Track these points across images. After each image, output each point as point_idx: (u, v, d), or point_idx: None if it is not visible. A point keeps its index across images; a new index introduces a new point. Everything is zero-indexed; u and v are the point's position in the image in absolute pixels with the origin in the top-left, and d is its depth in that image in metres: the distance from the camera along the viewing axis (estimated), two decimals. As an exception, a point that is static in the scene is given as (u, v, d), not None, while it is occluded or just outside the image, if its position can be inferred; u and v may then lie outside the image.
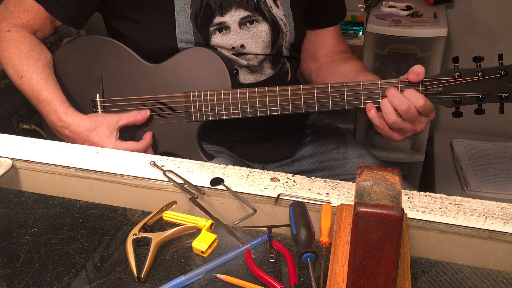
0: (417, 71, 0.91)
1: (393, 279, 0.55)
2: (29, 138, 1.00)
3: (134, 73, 1.06)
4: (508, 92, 0.89)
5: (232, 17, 1.03)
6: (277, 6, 1.06)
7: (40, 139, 1.00)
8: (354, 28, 1.98)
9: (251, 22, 1.04)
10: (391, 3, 1.93)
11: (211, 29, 1.02)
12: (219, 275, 0.66)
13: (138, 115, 1.03)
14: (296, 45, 1.15)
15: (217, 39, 1.03)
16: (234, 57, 1.05)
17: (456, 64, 0.92)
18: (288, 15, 1.07)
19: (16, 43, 1.04)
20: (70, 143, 0.98)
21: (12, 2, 1.05)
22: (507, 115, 2.01)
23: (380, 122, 0.93)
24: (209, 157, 1.06)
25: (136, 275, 0.67)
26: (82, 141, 1.00)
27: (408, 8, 1.90)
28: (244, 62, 1.06)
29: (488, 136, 2.02)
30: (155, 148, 1.07)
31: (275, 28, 1.05)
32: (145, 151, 1.03)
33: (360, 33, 1.97)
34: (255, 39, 1.04)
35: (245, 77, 1.08)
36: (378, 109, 0.93)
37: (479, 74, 0.89)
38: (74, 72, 1.10)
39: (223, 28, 1.02)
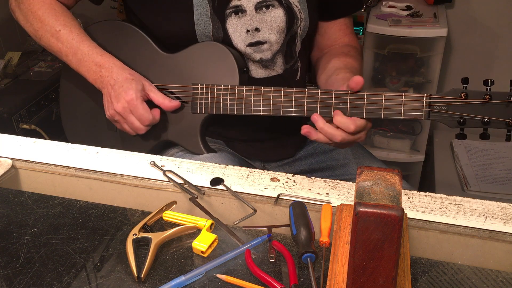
0: (355, 81, 0.91)
1: (393, 279, 0.55)
2: (29, 138, 1.00)
3: (147, 60, 1.08)
4: None
5: (249, 1, 1.04)
6: None
7: (40, 139, 1.00)
8: (354, 28, 1.98)
9: (267, 7, 1.05)
10: (391, 3, 1.93)
11: (228, 11, 1.04)
12: (219, 275, 0.66)
13: (166, 100, 1.01)
14: (309, 37, 1.15)
15: (233, 21, 1.04)
16: (249, 50, 1.06)
17: (465, 85, 0.88)
18: (303, 2, 1.09)
19: (48, 5, 1.06)
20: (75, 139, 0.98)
21: None
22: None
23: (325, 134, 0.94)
24: (210, 151, 1.07)
25: (136, 275, 0.67)
26: (123, 78, 1.00)
27: (408, 8, 1.90)
28: (258, 57, 1.07)
29: (488, 136, 2.02)
30: (158, 135, 1.08)
31: (290, 14, 1.07)
32: (150, 123, 1.01)
33: (360, 33, 1.97)
34: (270, 23, 1.06)
35: (257, 71, 1.09)
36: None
37: (487, 97, 0.85)
38: None
39: (239, 11, 1.04)
